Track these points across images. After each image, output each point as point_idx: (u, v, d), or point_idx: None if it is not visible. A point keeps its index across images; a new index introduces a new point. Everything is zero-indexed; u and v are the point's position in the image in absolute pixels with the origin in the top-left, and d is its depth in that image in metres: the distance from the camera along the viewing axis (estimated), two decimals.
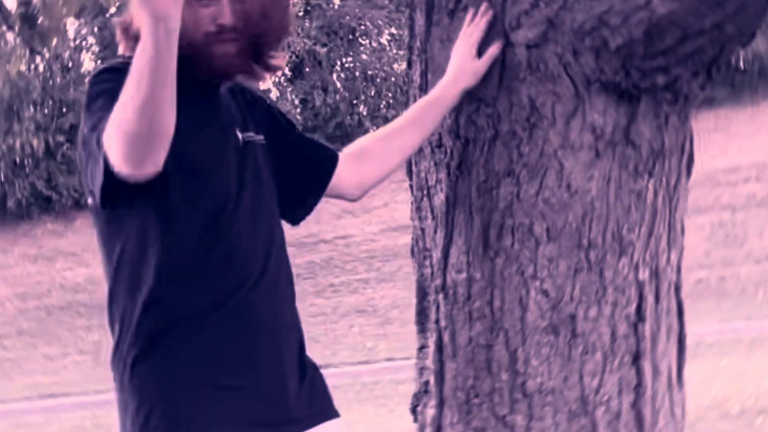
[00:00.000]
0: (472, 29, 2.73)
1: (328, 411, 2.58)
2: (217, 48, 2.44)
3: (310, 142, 2.78)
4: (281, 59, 2.62)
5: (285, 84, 32.06)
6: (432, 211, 2.87)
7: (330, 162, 2.74)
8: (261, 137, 2.58)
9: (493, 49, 2.68)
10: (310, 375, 2.56)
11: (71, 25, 30.43)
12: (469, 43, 2.73)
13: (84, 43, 32.61)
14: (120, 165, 2.17)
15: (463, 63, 2.73)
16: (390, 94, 31.84)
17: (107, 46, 29.96)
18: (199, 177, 2.38)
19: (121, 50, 2.52)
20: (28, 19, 5.78)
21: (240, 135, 2.52)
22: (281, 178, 2.60)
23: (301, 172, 2.68)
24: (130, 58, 2.15)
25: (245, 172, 2.47)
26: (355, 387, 13.53)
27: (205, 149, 2.42)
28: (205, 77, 2.48)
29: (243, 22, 2.44)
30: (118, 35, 2.53)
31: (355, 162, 2.77)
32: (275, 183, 2.58)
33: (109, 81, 2.33)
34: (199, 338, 2.36)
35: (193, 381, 2.35)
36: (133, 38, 2.42)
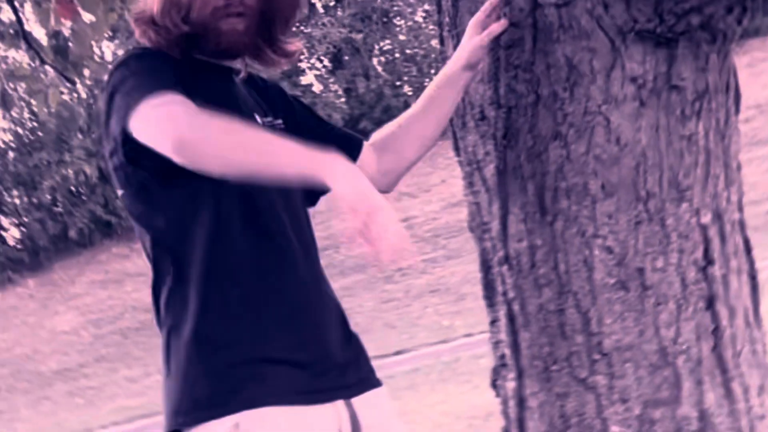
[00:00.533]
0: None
1: (372, 379, 2.58)
2: (224, 23, 2.48)
3: (333, 128, 2.80)
4: (294, 45, 2.65)
5: (326, 76, 32.08)
6: (484, 184, 2.85)
7: (353, 147, 2.76)
8: (280, 121, 2.60)
9: (495, 27, 2.68)
10: (354, 342, 2.57)
11: (107, 48, 30.65)
12: (475, 21, 2.73)
13: None
14: (168, 149, 2.18)
15: (468, 39, 2.73)
16: (432, 71, 31.76)
17: None
18: None
19: (137, 36, 2.55)
20: (59, 50, 5.82)
21: (260, 119, 2.54)
22: None
23: None
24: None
25: None
26: (437, 367, 13.53)
27: None
28: (213, 54, 2.51)
29: None
30: (133, 24, 2.56)
31: (378, 151, 2.79)
32: None
33: (151, 58, 2.41)
34: (249, 315, 2.36)
35: (246, 358, 2.35)
36: (149, 23, 2.49)
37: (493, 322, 2.89)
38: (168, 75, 2.32)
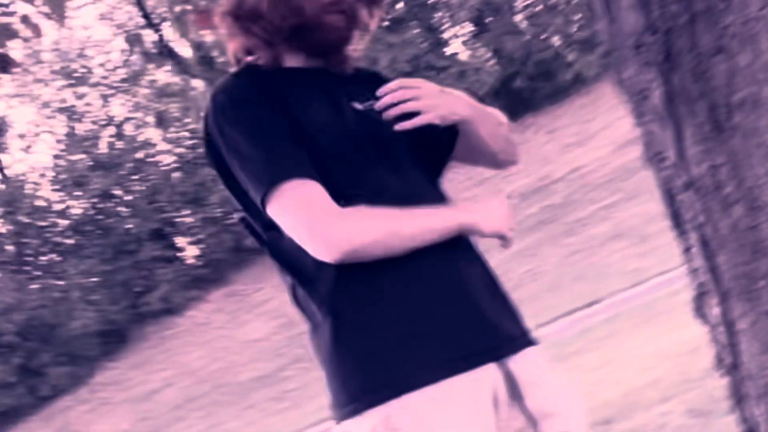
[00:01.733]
0: None
1: (526, 338, 2.58)
2: (330, 18, 2.54)
3: None
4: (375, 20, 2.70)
5: (472, 41, 31.94)
6: (654, 112, 2.80)
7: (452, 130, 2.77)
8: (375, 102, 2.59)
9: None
10: (503, 303, 2.57)
11: None
12: None
13: None
14: (327, 259, 2.37)
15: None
16: (576, 17, 31.35)
17: None
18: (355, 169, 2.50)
19: (232, 50, 2.61)
20: (205, 61, 5.90)
21: (360, 106, 2.60)
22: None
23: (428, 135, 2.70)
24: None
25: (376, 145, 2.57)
26: (635, 312, 13.37)
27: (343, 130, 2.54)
28: (314, 50, 2.60)
29: None
30: (221, 19, 2.62)
31: None
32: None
33: (254, 106, 2.46)
34: (388, 294, 2.40)
35: (388, 338, 2.38)
36: (251, 17, 2.55)
37: (687, 250, 2.83)
38: (286, 143, 2.41)
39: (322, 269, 2.40)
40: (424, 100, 2.58)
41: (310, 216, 2.34)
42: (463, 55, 31.84)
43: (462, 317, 2.43)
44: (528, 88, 30.92)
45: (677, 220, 2.85)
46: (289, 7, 2.52)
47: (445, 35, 32.16)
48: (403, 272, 2.40)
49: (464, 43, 32.16)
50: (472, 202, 2.51)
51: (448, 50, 31.89)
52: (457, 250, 2.50)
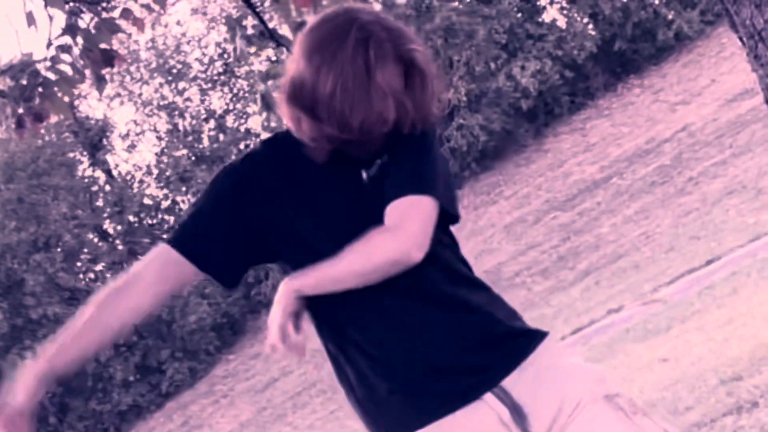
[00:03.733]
0: None
1: (516, 353, 2.63)
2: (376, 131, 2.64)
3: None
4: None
5: (568, 7, 31.59)
6: None
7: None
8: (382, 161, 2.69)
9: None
10: (481, 328, 2.63)
11: None
12: None
13: None
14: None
15: None
16: None
17: None
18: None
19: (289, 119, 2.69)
20: None
21: (364, 174, 2.69)
22: None
23: None
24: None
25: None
26: (755, 266, 13.09)
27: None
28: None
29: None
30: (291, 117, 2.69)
31: None
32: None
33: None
34: (351, 361, 2.65)
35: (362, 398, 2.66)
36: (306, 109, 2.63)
37: None
38: (195, 215, 2.74)
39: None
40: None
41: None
42: (561, 22, 31.49)
43: (416, 371, 2.59)
44: (629, 49, 30.50)
45: None
46: (340, 122, 2.57)
47: (541, 2, 31.83)
48: (360, 339, 2.62)
49: (561, 9, 31.81)
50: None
51: (546, 17, 31.56)
52: (408, 299, 2.60)
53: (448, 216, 2.65)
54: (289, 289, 2.60)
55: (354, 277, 2.55)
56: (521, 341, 2.64)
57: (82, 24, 6.07)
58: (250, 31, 6.69)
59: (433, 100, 2.66)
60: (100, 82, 6.21)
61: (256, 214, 2.66)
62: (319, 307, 2.63)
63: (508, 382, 2.58)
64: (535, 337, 2.66)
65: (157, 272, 2.68)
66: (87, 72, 6.12)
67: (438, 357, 2.58)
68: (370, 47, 2.56)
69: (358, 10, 2.63)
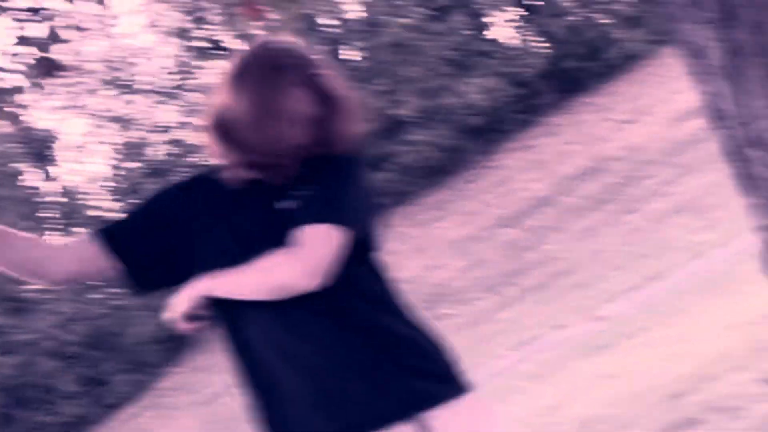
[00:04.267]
0: None
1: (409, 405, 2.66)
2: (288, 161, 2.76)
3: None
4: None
5: (518, 25, 31.77)
6: (713, 71, 2.70)
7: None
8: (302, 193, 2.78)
9: None
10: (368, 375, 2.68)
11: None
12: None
13: None
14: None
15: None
16: None
17: None
18: None
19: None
20: None
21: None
22: None
23: None
24: None
25: None
26: (700, 285, 13.21)
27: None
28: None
29: None
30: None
31: None
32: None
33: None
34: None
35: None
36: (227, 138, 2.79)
37: (757, 206, 2.72)
38: (130, 214, 2.95)
39: None
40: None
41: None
42: (511, 40, 31.67)
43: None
44: (578, 68, 30.72)
45: (745, 178, 2.75)
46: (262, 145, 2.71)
47: (489, 20, 31.97)
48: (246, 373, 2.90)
49: (511, 27, 31.99)
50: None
51: (494, 35, 31.72)
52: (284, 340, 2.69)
53: (367, 243, 2.69)
54: (199, 286, 2.71)
55: (250, 292, 2.66)
56: (429, 389, 2.68)
57: (28, 34, 6.06)
58: (198, 44, 6.69)
59: (350, 126, 2.74)
60: (41, 90, 6.19)
61: (181, 229, 2.80)
62: (228, 307, 2.72)
63: (434, 416, 2.63)
64: (444, 391, 2.69)
65: (76, 250, 2.84)
66: (31, 81, 6.10)
67: (329, 379, 2.66)
68: (279, 75, 2.70)
69: (274, 42, 2.82)
